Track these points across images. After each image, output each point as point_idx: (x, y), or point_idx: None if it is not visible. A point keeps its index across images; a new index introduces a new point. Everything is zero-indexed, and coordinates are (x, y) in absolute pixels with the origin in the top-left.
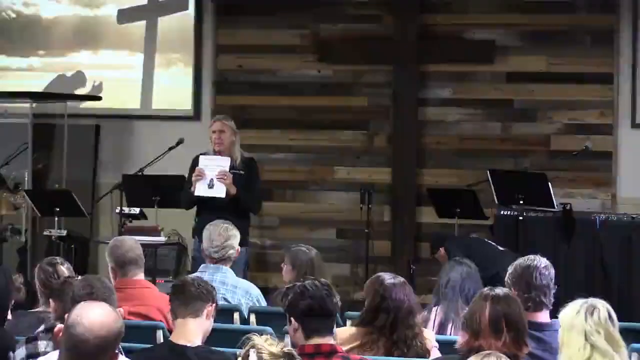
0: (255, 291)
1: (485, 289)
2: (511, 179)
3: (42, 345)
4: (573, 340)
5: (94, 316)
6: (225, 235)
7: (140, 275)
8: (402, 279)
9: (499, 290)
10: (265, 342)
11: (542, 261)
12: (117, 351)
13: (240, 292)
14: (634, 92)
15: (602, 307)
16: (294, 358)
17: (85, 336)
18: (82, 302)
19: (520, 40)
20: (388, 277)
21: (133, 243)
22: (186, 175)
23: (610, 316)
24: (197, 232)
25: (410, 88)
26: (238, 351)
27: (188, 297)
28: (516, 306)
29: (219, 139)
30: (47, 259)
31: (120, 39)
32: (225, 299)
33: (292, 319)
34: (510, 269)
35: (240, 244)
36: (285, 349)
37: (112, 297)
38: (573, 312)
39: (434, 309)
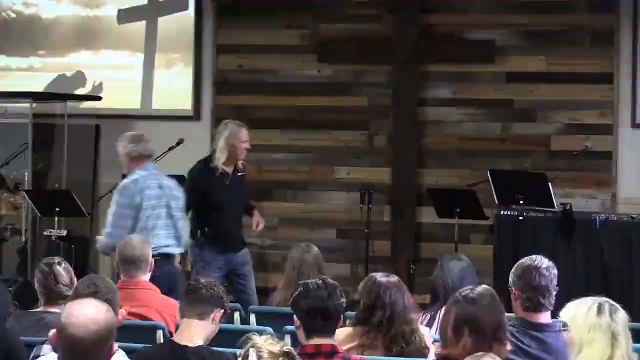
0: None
1: (459, 290)
2: (511, 179)
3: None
4: (596, 340)
5: (85, 313)
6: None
7: (143, 276)
8: (395, 278)
9: (470, 292)
10: (265, 342)
11: (543, 262)
12: (114, 346)
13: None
14: (634, 92)
15: (618, 306)
16: (294, 357)
17: (79, 335)
18: (70, 302)
19: (520, 40)
20: (380, 276)
21: (139, 243)
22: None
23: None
24: (211, 240)
25: (410, 88)
26: (238, 351)
27: (198, 298)
28: (484, 307)
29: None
30: (45, 259)
31: (120, 39)
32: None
33: (295, 316)
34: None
35: None
36: (285, 348)
37: (115, 297)
38: (592, 311)
39: (439, 311)
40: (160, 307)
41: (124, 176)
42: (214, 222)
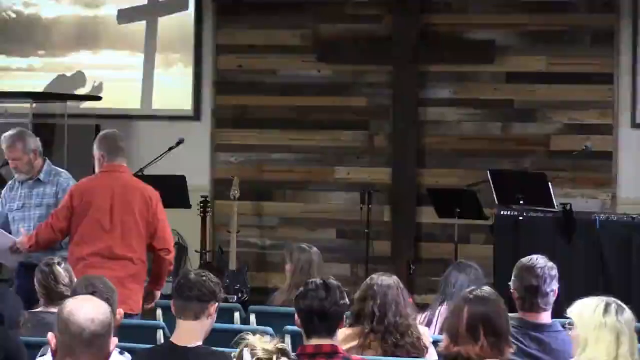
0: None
1: (468, 289)
2: (511, 179)
3: None
4: (602, 338)
5: (86, 307)
6: None
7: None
8: (393, 277)
9: (481, 292)
10: (258, 340)
11: (539, 262)
12: (115, 340)
13: None
14: (634, 92)
15: (625, 307)
16: (288, 354)
17: (89, 329)
18: (67, 301)
19: (520, 40)
20: (377, 274)
21: (119, 133)
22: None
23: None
24: None
25: (410, 88)
26: (233, 352)
27: (191, 298)
28: (497, 309)
29: None
30: (45, 259)
31: (120, 39)
32: None
33: (296, 315)
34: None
35: None
36: (279, 345)
37: (113, 296)
38: (599, 310)
39: (439, 308)
40: (141, 207)
41: None
42: None
